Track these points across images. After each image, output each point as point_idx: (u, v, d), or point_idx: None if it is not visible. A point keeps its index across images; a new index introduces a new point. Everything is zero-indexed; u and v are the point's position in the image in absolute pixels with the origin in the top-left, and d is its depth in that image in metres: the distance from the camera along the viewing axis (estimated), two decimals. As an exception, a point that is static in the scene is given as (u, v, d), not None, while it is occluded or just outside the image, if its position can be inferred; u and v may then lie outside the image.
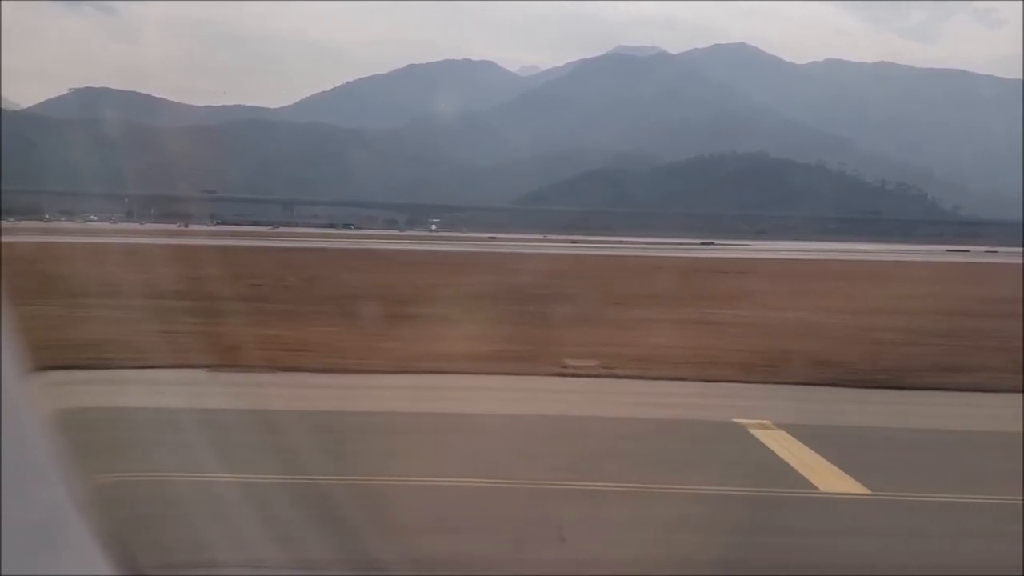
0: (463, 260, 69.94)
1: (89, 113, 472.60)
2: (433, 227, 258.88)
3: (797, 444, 15.29)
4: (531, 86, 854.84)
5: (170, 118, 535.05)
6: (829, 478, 13.60)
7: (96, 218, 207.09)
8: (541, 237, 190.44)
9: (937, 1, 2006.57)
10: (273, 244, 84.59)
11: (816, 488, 13.22)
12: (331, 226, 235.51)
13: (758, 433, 16.12)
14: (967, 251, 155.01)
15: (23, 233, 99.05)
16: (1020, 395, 19.89)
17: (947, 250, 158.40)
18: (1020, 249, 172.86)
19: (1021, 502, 11.88)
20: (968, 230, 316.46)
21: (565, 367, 21.14)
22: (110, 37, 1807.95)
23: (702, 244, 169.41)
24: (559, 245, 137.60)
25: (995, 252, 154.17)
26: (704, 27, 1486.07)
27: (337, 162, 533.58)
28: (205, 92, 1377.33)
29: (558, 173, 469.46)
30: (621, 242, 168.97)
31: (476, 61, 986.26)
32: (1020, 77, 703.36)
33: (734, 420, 17.06)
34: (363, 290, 32.83)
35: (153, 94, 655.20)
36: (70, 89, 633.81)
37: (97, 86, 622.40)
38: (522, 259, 79.04)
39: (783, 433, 16.01)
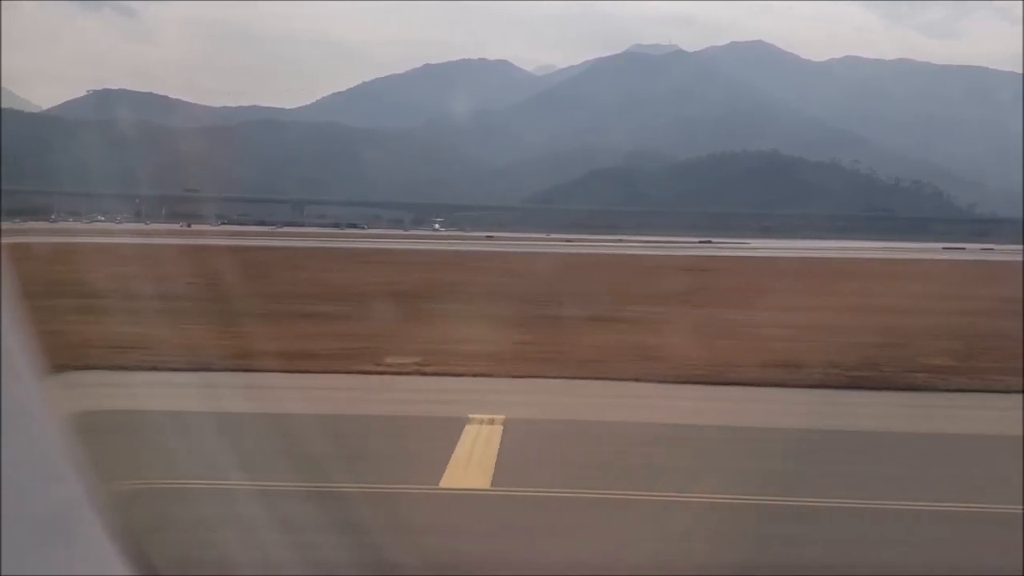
0: (434, 259, 70.44)
1: (105, 114, 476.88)
2: (436, 226, 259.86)
3: (496, 440, 15.07)
4: (546, 85, 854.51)
5: (185, 119, 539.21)
6: (469, 474, 13.29)
7: (103, 218, 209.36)
8: (543, 236, 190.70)
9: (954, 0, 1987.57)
10: (259, 243, 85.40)
11: (435, 484, 12.92)
12: (335, 226, 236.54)
13: (473, 429, 15.80)
14: (963, 248, 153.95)
15: (17, 234, 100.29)
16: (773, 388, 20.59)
17: (943, 248, 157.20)
18: (1016, 246, 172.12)
19: (615, 496, 12.19)
20: (981, 228, 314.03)
21: (380, 364, 21.27)
22: (129, 38, 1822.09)
23: (700, 243, 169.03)
24: (553, 244, 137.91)
25: (991, 250, 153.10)
26: (721, 25, 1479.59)
27: (352, 162, 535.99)
28: (221, 92, 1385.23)
29: (571, 172, 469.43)
30: (620, 241, 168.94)
31: (492, 60, 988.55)
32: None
33: (469, 416, 16.72)
34: (288, 288, 33.22)
35: (169, 95, 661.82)
36: (88, 91, 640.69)
37: (114, 87, 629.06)
38: (497, 258, 79.51)
39: (499, 428, 15.76)
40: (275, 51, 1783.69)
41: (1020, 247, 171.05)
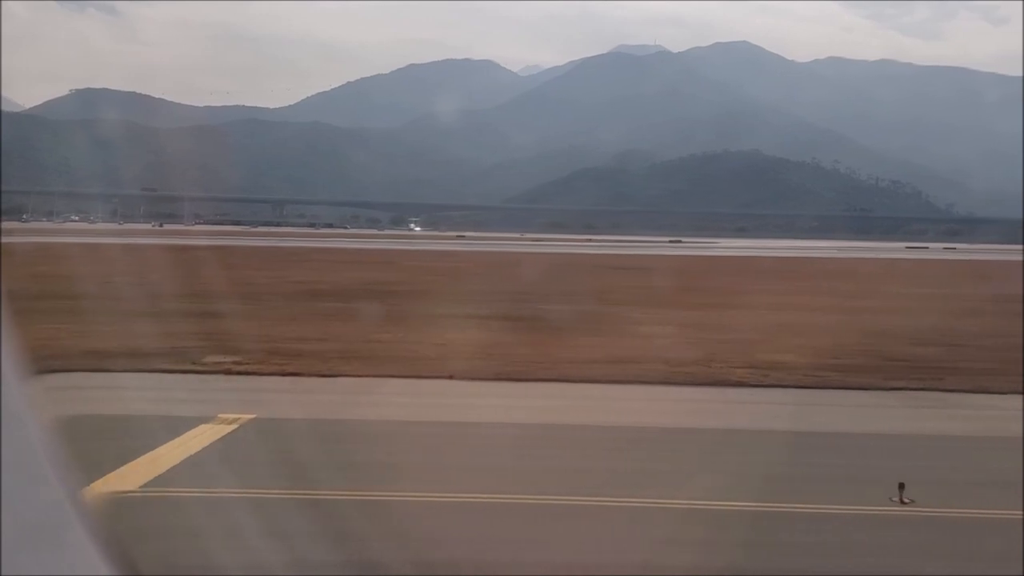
0: (376, 258, 70.76)
1: (87, 114, 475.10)
2: (412, 226, 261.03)
3: (209, 440, 14.65)
4: (531, 85, 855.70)
5: (169, 119, 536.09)
6: (131, 475, 12.57)
7: (76, 218, 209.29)
8: (516, 236, 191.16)
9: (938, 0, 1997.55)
10: (216, 243, 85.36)
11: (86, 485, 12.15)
12: (311, 225, 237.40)
13: (203, 428, 15.38)
14: (926, 248, 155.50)
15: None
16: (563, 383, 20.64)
17: (906, 247, 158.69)
18: (986, 246, 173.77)
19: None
20: (955, 227, 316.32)
21: (197, 363, 21.33)
22: (113, 38, 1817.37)
23: (670, 242, 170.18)
24: (518, 244, 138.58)
25: (953, 249, 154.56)
26: (706, 25, 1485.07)
27: (337, 162, 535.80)
28: (206, 92, 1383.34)
29: (556, 172, 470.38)
30: (588, 240, 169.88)
31: (477, 60, 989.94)
32: (1022, 75, 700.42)
33: (216, 415, 16.31)
34: (196, 286, 33.74)
35: (153, 95, 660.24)
36: (71, 90, 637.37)
37: (97, 87, 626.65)
38: (442, 257, 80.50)
39: (230, 428, 15.47)
40: (260, 51, 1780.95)
41: (994, 246, 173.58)
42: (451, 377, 20.83)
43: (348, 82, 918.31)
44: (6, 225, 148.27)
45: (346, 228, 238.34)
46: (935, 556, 10.82)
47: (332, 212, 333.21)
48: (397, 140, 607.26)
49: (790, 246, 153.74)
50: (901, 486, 12.25)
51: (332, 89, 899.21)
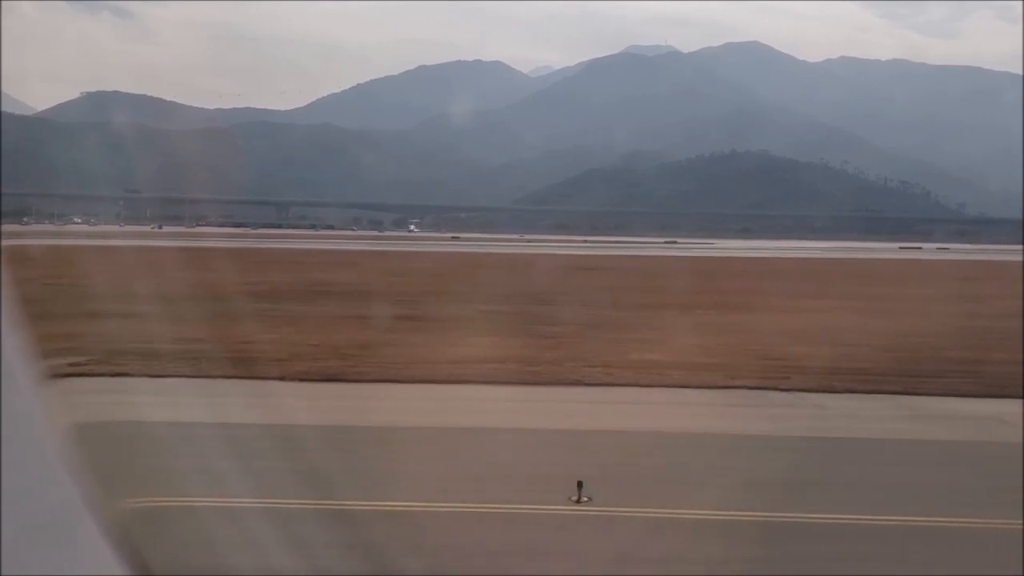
0: (348, 259, 71.00)
1: (97, 117, 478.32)
2: (412, 228, 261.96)
3: None
4: (542, 86, 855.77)
5: (179, 121, 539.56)
6: None
7: (79, 220, 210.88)
8: (516, 237, 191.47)
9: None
10: (200, 244, 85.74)
11: None
12: (312, 227, 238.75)
13: None
14: (919, 248, 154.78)
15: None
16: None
17: (899, 247, 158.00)
18: (991, 246, 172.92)
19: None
20: (964, 228, 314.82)
21: (51, 368, 21.18)
22: (127, 40, 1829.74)
23: (664, 243, 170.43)
24: (511, 244, 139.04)
25: (946, 249, 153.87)
26: (717, 25, 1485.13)
27: (346, 163, 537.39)
28: (217, 94, 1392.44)
29: (565, 172, 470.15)
30: (585, 241, 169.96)
31: (487, 61, 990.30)
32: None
33: None
34: (144, 288, 33.90)
35: (164, 97, 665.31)
36: (82, 93, 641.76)
37: (108, 89, 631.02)
38: (415, 258, 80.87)
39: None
40: (271, 53, 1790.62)
41: (998, 247, 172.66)
42: (282, 379, 20.69)
43: (358, 83, 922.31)
44: (3, 228, 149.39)
45: (345, 230, 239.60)
46: (589, 556, 10.75)
47: (341, 214, 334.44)
48: (408, 141, 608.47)
49: (783, 246, 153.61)
50: (579, 484, 12.30)
51: (342, 91, 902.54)
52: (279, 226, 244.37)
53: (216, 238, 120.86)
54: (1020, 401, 20.27)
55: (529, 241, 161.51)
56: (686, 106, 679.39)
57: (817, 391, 21.20)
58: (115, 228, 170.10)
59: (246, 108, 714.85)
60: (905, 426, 18.65)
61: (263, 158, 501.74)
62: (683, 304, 38.92)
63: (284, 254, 70.72)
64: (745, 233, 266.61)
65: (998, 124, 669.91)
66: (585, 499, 12.24)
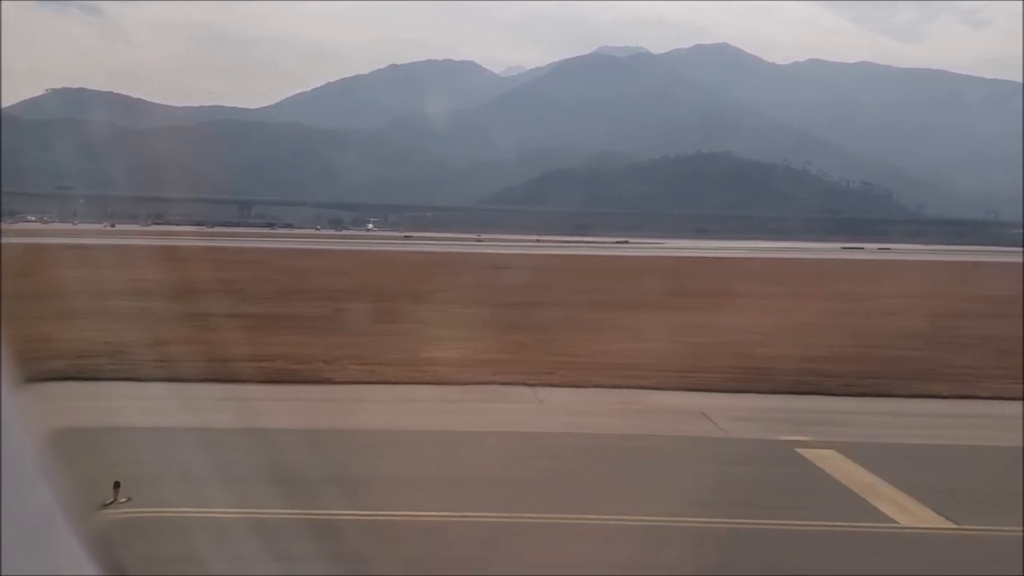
0: (260, 257, 71.10)
1: (63, 114, 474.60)
2: (370, 226, 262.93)
3: None
4: (513, 86, 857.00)
5: (146, 119, 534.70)
6: None
7: (32, 218, 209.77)
8: (472, 237, 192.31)
9: (923, 1, 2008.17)
10: (138, 243, 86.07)
11: None
12: (269, 226, 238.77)
13: None
14: (861, 248, 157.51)
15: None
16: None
17: (842, 247, 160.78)
18: (945, 247, 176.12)
19: None
20: (919, 228, 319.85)
21: None
22: (95, 38, 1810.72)
23: (616, 243, 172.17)
24: (459, 243, 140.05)
25: (888, 249, 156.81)
26: (688, 27, 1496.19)
27: (317, 162, 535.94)
28: (185, 92, 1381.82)
29: (533, 173, 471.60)
30: (538, 241, 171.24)
31: (458, 61, 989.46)
32: (1003, 77, 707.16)
33: None
34: (46, 284, 34.42)
35: (131, 95, 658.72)
36: (47, 90, 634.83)
37: (74, 87, 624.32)
38: (332, 256, 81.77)
39: None
40: (241, 51, 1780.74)
41: (944, 247, 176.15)
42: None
43: (328, 82, 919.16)
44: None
45: (305, 229, 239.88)
46: None
47: (308, 213, 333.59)
48: (378, 140, 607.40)
49: (729, 246, 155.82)
50: (116, 485, 11.49)
51: (312, 89, 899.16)
52: (237, 225, 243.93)
53: (159, 236, 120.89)
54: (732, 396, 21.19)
55: (479, 240, 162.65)
56: (656, 108, 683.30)
57: (544, 386, 21.30)
58: (68, 226, 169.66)
59: (215, 106, 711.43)
60: (594, 420, 18.89)
61: (231, 156, 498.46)
62: (552, 302, 40.10)
63: (206, 252, 71.19)
64: (702, 233, 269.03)
65: (963, 127, 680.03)
66: (123, 500, 11.43)
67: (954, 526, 12.01)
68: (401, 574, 10.17)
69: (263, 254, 74.39)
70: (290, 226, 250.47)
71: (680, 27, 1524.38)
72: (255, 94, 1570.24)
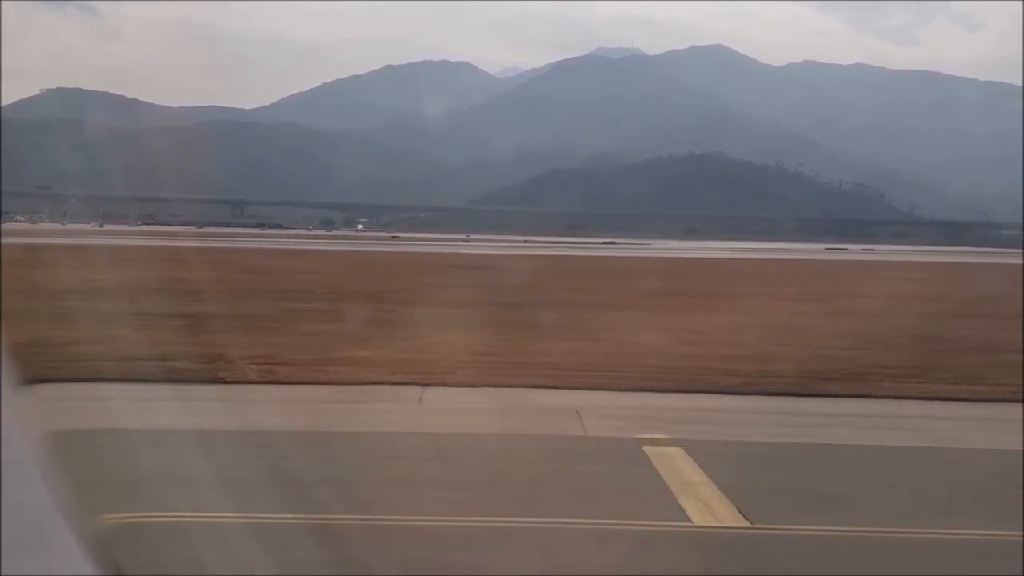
0: (231, 257, 70.97)
1: (57, 114, 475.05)
2: (359, 227, 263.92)
3: None
4: (508, 87, 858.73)
5: (141, 119, 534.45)
6: None
7: (21, 218, 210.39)
8: (462, 237, 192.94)
9: (917, 1, 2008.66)
10: (117, 242, 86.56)
11: None
12: (260, 226, 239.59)
13: None
14: (845, 249, 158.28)
15: None
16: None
17: (825, 248, 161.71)
18: (934, 248, 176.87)
19: None
20: (910, 229, 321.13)
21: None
22: (92, 38, 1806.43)
23: (604, 243, 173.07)
24: (445, 244, 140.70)
25: (871, 250, 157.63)
26: (682, 29, 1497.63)
27: (311, 162, 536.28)
28: (181, 92, 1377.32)
29: (527, 174, 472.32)
30: (526, 241, 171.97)
31: (454, 62, 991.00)
32: (997, 79, 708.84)
33: None
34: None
35: (126, 95, 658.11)
36: (41, 90, 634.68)
37: (69, 87, 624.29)
38: (315, 256, 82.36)
39: None
40: (236, 51, 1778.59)
41: (931, 248, 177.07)
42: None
43: (324, 83, 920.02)
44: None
45: (293, 229, 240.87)
46: None
47: (301, 213, 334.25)
48: (374, 141, 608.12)
49: (715, 247, 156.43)
50: None
51: (308, 90, 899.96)
52: (228, 225, 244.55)
53: (141, 236, 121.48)
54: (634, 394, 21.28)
55: (466, 241, 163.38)
56: (650, 109, 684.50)
57: (438, 385, 21.26)
58: (56, 227, 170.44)
59: (210, 106, 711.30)
60: (460, 419, 19.06)
61: (227, 156, 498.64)
62: (501, 302, 40.53)
63: (178, 252, 71.48)
64: (692, 234, 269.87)
65: (956, 129, 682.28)
66: None
67: (747, 525, 11.92)
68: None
69: (237, 254, 74.80)
70: (280, 226, 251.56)
71: (675, 28, 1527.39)
72: (251, 94, 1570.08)
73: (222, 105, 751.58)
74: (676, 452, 15.41)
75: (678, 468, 14.49)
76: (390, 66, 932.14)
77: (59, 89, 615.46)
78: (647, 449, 15.62)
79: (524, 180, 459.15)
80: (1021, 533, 11.00)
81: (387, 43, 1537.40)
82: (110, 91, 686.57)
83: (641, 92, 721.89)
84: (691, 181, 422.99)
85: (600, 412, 19.36)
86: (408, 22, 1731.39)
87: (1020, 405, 19.87)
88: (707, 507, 12.52)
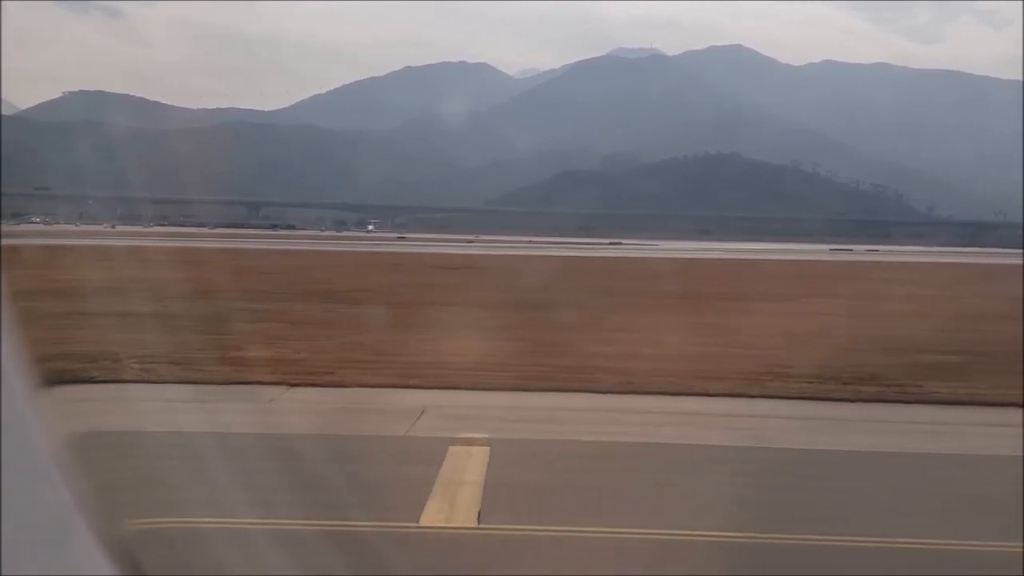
0: (220, 258, 71.55)
1: (78, 116, 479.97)
2: (370, 228, 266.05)
3: None
4: (527, 88, 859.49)
5: (161, 121, 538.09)
6: None
7: (37, 219, 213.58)
8: (471, 238, 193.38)
9: (941, 1, 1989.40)
10: (109, 243, 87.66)
11: None
12: (272, 227, 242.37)
13: None
14: (850, 250, 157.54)
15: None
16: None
17: (830, 249, 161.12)
18: (948, 248, 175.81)
19: None
20: (924, 230, 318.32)
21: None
22: (114, 40, 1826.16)
23: (610, 244, 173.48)
24: (449, 245, 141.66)
25: (876, 251, 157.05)
26: (701, 29, 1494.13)
27: (331, 164, 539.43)
28: (201, 94, 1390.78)
29: (545, 174, 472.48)
30: (531, 242, 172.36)
31: (472, 63, 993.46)
32: (1021, 79, 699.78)
33: None
34: None
35: (147, 97, 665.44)
36: (63, 92, 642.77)
37: (91, 89, 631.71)
38: (310, 257, 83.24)
39: None
40: (256, 53, 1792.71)
41: (945, 249, 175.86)
42: None
43: (343, 84, 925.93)
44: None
45: (305, 229, 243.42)
46: None
47: (319, 215, 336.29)
48: (393, 142, 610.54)
49: (723, 247, 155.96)
50: None
51: (327, 92, 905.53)
52: (241, 226, 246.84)
53: (148, 237, 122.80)
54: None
55: (470, 242, 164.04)
56: (669, 109, 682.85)
57: (306, 386, 21.25)
58: (70, 227, 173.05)
59: (230, 108, 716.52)
60: (299, 420, 18.74)
61: (246, 158, 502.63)
62: (449, 302, 40.97)
63: (172, 252, 72.61)
64: (705, 235, 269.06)
65: (981, 128, 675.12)
66: None
67: (471, 526, 11.88)
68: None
69: (224, 254, 75.65)
70: (292, 227, 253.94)
71: (694, 28, 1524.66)
72: (270, 96, 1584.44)
73: (241, 107, 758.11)
74: (480, 452, 15.32)
75: (463, 468, 14.34)
76: (409, 67, 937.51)
77: (81, 92, 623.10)
78: (453, 448, 15.51)
79: (543, 180, 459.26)
80: None
81: (406, 44, 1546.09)
82: (131, 93, 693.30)
83: (660, 92, 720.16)
84: (709, 181, 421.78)
85: (448, 412, 19.32)
86: (427, 24, 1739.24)
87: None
88: (449, 507, 12.48)
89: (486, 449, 15.49)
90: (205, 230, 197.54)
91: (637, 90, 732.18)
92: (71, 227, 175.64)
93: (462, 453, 15.28)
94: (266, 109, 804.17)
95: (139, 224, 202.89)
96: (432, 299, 41.63)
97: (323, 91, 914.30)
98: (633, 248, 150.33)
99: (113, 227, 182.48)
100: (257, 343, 26.39)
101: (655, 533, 11.84)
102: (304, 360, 24.56)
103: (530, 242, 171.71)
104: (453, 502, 12.73)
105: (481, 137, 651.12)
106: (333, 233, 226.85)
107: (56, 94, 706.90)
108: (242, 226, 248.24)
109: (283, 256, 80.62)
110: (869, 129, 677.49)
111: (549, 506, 12.97)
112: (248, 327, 29.56)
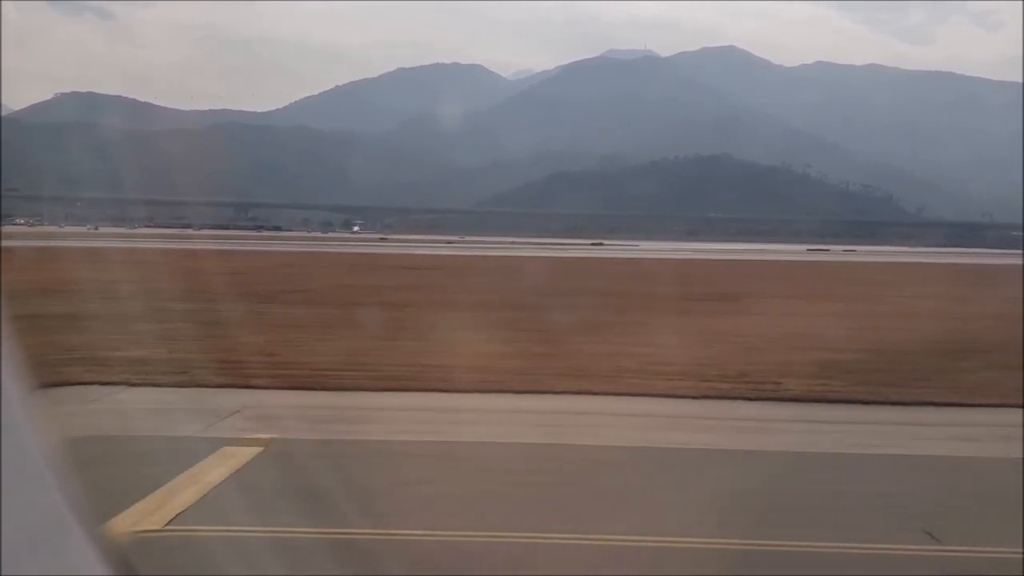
0: (190, 259, 72.59)
1: (69, 117, 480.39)
2: (355, 229, 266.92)
3: None
4: (520, 89, 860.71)
5: (154, 122, 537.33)
6: None
7: (22, 221, 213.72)
8: (456, 239, 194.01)
9: (934, 1, 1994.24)
10: (82, 244, 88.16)
11: None
12: (258, 228, 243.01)
13: None
14: (827, 250, 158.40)
15: None
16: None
17: (808, 249, 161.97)
18: (936, 249, 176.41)
19: None
20: (911, 231, 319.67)
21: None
22: (107, 42, 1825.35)
23: (592, 244, 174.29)
24: (426, 246, 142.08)
25: (853, 251, 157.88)
26: (695, 30, 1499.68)
27: (324, 165, 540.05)
28: (193, 96, 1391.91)
29: (538, 175, 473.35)
30: (514, 243, 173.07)
31: (466, 65, 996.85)
32: (1014, 79, 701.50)
33: None
34: None
35: (139, 98, 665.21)
36: (55, 94, 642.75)
37: (83, 91, 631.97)
38: (273, 257, 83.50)
39: None
40: (249, 55, 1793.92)
41: (930, 249, 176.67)
42: None
43: (337, 85, 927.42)
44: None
45: (291, 231, 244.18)
46: None
47: (308, 216, 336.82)
48: (386, 144, 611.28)
49: (704, 248, 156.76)
50: None
51: (320, 93, 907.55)
52: (227, 227, 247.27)
53: (127, 239, 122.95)
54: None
55: (450, 243, 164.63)
56: (663, 110, 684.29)
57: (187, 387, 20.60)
58: (53, 229, 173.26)
59: (222, 110, 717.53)
60: (143, 423, 17.96)
61: (239, 159, 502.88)
62: (389, 303, 41.19)
63: (138, 253, 72.92)
64: (692, 236, 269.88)
65: (974, 129, 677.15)
66: None
67: (155, 528, 11.09)
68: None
69: (194, 255, 75.60)
70: (278, 228, 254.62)
71: (687, 29, 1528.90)
72: (263, 97, 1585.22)
73: (235, 108, 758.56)
74: (247, 452, 14.62)
75: (213, 469, 13.63)
76: (402, 69, 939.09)
77: (73, 93, 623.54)
78: (226, 448, 14.80)
79: (536, 181, 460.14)
80: None
81: (399, 45, 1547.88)
82: (124, 95, 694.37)
83: (654, 93, 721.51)
84: (702, 182, 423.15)
85: (264, 413, 18.65)
86: (420, 25, 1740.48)
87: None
88: (155, 509, 11.67)
89: (254, 450, 14.74)
90: (190, 231, 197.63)
91: (631, 91, 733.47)
92: (53, 229, 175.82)
93: (228, 454, 14.52)
94: (259, 110, 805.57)
95: (126, 226, 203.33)
96: (359, 300, 41.80)
97: (316, 92, 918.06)
98: (612, 249, 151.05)
99: (96, 229, 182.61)
100: (141, 343, 25.56)
101: (341, 533, 11.15)
102: (174, 360, 23.68)
103: (513, 243, 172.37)
104: (163, 504, 11.89)
105: (475, 138, 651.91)
106: (319, 234, 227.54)
107: (48, 95, 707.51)
108: (228, 227, 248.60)
109: (247, 256, 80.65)
110: (862, 130, 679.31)
111: (270, 508, 11.92)
112: (148, 327, 29.01)
